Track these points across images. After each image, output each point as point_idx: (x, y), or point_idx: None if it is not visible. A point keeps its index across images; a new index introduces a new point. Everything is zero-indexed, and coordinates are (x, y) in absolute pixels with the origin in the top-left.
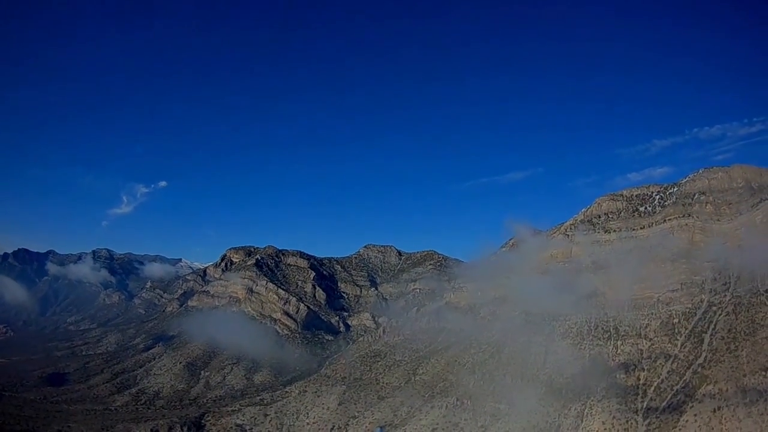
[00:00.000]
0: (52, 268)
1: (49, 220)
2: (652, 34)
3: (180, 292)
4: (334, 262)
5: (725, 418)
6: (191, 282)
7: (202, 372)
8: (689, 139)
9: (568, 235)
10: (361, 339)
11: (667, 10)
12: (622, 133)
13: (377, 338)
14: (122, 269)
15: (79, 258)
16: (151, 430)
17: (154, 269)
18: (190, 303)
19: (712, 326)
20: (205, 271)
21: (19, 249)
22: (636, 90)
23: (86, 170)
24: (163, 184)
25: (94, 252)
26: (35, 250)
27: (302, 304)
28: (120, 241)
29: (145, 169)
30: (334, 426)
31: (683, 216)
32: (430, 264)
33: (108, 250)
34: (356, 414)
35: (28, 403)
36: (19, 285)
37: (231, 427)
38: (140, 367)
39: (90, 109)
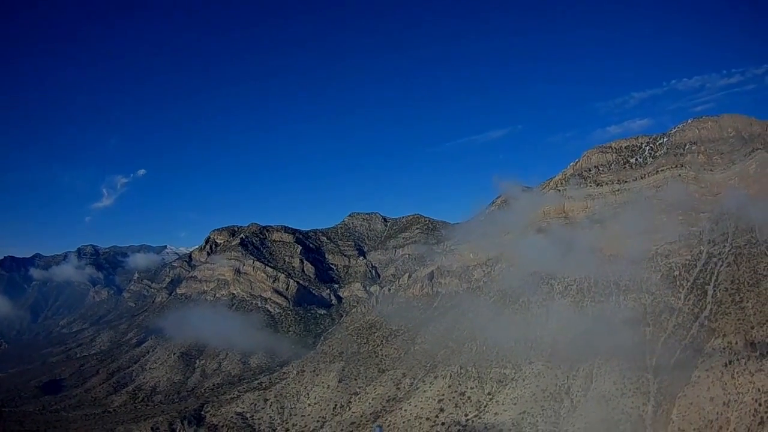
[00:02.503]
0: (39, 271)
1: (31, 223)
2: None
3: (167, 280)
4: (320, 234)
5: (737, 373)
6: (178, 269)
7: (197, 361)
8: (668, 91)
9: (559, 190)
10: (354, 310)
11: None
12: (599, 87)
13: (370, 308)
14: (108, 264)
15: (64, 258)
16: (152, 428)
17: (140, 260)
18: (178, 291)
19: (714, 278)
20: (190, 255)
21: (4, 257)
22: (612, 42)
23: (64, 168)
24: (141, 172)
25: (79, 249)
26: (21, 256)
27: (291, 280)
28: (105, 235)
29: (122, 159)
30: (336, 404)
31: (676, 167)
32: (417, 228)
33: (93, 246)
34: (357, 390)
35: (28, 416)
36: (7, 294)
37: (231, 416)
38: (135, 363)
39: (62, 105)
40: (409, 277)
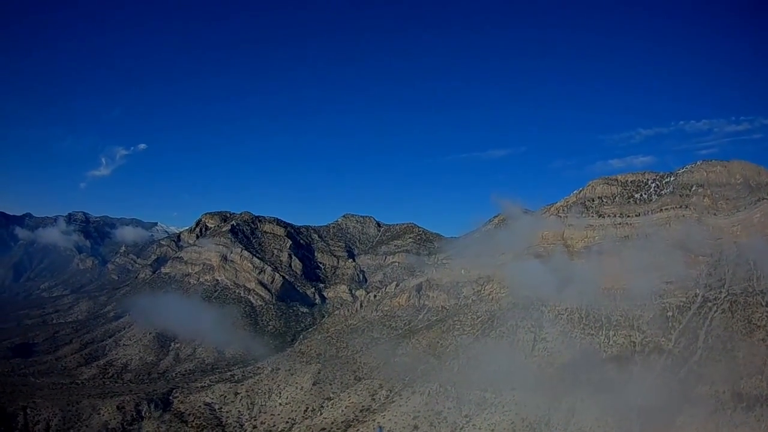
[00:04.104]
0: (25, 231)
1: (26, 182)
2: (646, 25)
3: (153, 257)
4: (312, 231)
5: (722, 423)
6: (165, 247)
7: (172, 344)
8: (674, 131)
9: (560, 217)
10: (336, 313)
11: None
12: (606, 119)
13: (354, 312)
14: (97, 233)
15: (54, 221)
16: (117, 407)
17: (129, 233)
18: (163, 270)
19: (707, 323)
20: (179, 236)
21: None
22: (624, 77)
23: (66, 131)
24: (142, 146)
25: (69, 215)
26: (12, 213)
27: (277, 274)
28: (98, 204)
29: (125, 131)
30: (308, 407)
31: (680, 207)
32: (409, 237)
33: (84, 213)
34: (331, 395)
35: None
36: None
37: (199, 406)
38: (109, 337)
39: (70, 69)
40: (397, 285)
